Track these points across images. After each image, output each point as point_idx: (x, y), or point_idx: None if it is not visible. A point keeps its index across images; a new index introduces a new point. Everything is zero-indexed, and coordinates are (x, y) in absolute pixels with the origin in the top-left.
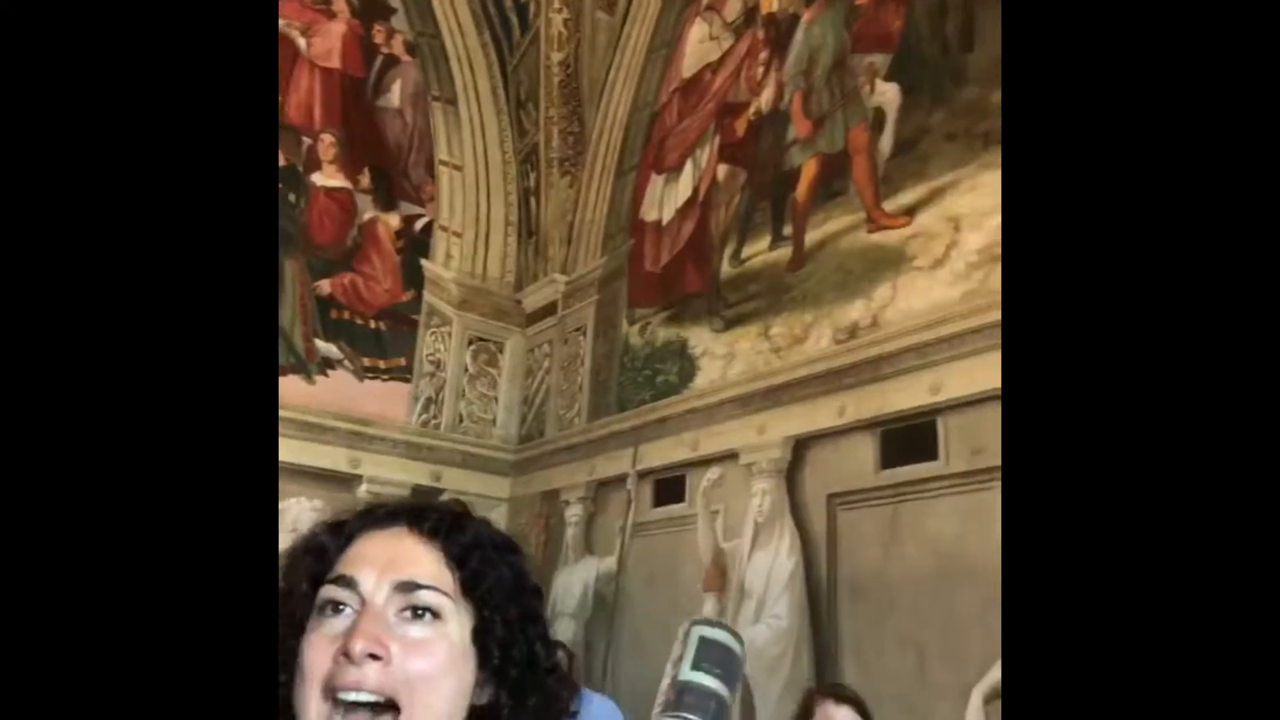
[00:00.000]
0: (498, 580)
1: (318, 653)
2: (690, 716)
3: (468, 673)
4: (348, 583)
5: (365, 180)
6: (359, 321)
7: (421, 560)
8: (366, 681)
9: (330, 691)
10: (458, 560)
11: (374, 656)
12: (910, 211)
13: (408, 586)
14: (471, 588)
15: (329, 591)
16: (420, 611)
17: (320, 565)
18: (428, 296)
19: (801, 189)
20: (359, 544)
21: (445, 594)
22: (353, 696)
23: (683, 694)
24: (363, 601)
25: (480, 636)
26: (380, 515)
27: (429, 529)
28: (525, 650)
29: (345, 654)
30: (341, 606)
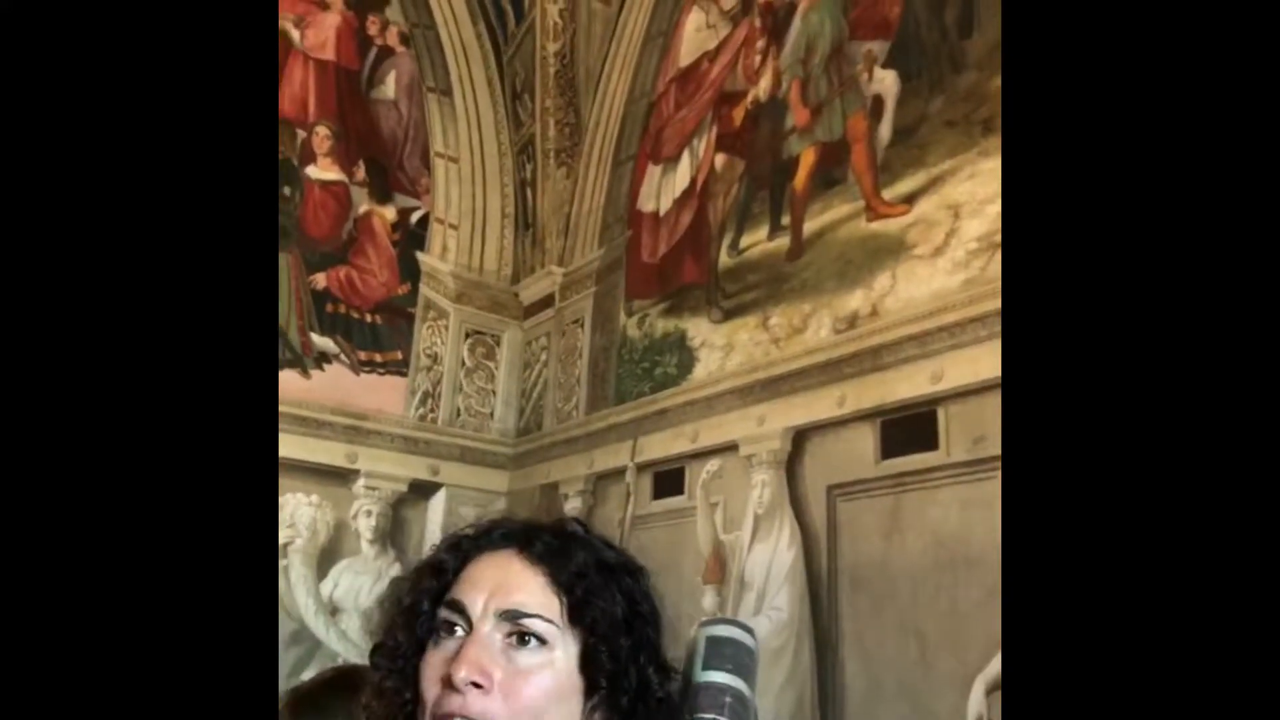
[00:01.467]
0: (605, 608)
1: (430, 676)
2: (704, 716)
3: (575, 700)
4: (458, 607)
5: (360, 173)
6: (355, 315)
7: (528, 586)
8: (469, 709)
9: (438, 716)
10: (565, 587)
11: (476, 685)
12: (909, 199)
13: (513, 614)
14: (578, 616)
15: (443, 613)
16: (526, 638)
17: (439, 584)
18: (424, 289)
19: (800, 178)
20: (472, 566)
21: (551, 621)
22: None
23: (697, 696)
24: (471, 626)
25: (587, 665)
26: (495, 536)
27: (538, 553)
28: (636, 679)
29: (448, 680)
30: (454, 629)
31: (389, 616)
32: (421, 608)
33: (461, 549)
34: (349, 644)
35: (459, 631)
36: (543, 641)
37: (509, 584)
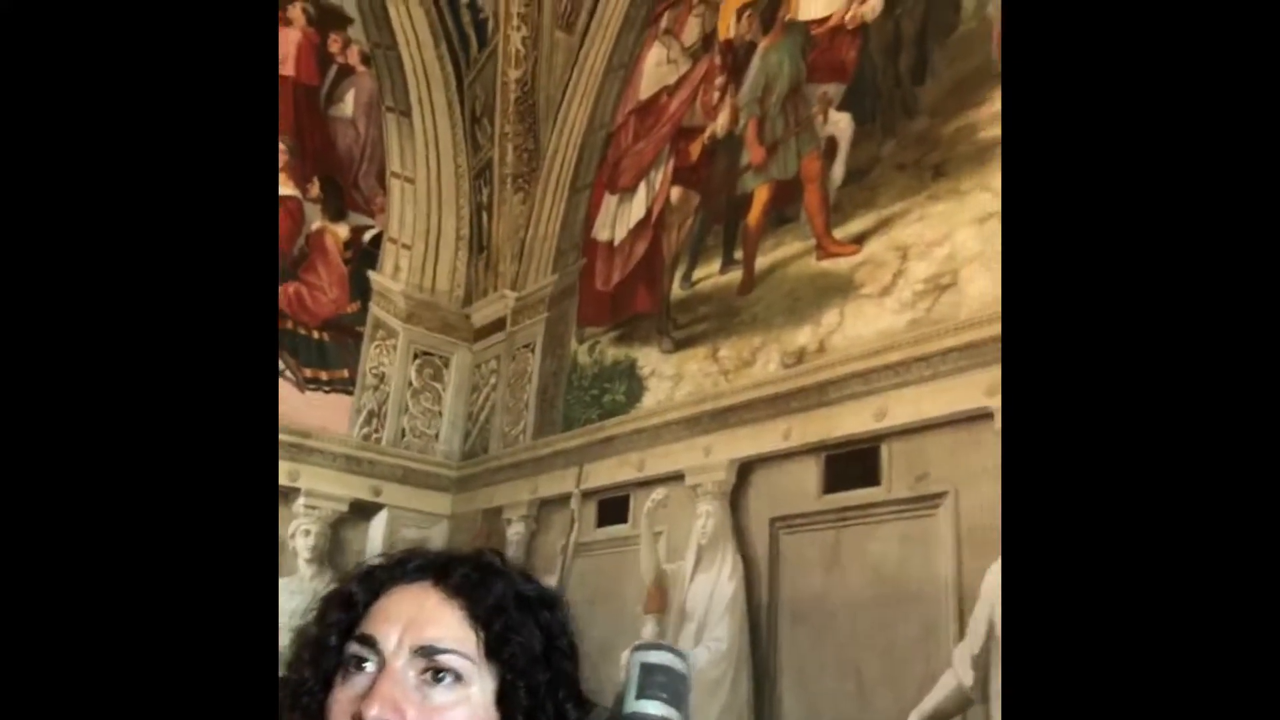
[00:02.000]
0: (523, 644)
1: (339, 713)
2: None
3: None
4: (369, 642)
5: (315, 189)
6: (302, 331)
7: (445, 620)
8: None
9: None
10: (483, 621)
11: None
12: (859, 240)
13: (428, 650)
14: (496, 651)
15: (352, 648)
16: (441, 675)
17: (348, 617)
18: (374, 309)
19: (753, 214)
20: (385, 599)
21: (468, 657)
22: None
23: None
24: (383, 663)
25: (504, 701)
26: (410, 568)
27: (455, 585)
28: (553, 713)
29: (359, 718)
30: (364, 664)
31: (295, 650)
32: (329, 642)
33: (374, 580)
34: (281, 665)
35: (369, 667)
36: (459, 677)
37: (424, 618)
